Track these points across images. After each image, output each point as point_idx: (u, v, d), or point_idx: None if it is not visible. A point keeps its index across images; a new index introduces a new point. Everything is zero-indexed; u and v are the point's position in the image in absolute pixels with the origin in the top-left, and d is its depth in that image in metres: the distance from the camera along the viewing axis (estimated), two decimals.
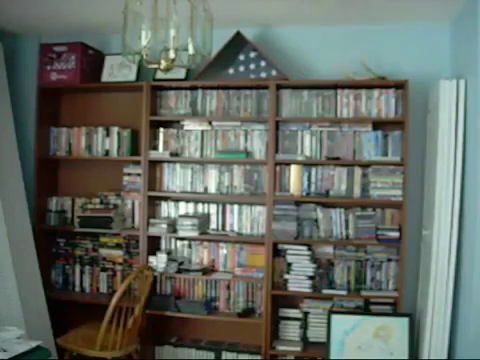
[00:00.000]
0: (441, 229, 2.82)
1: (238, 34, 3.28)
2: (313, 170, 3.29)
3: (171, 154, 3.44)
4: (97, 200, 3.60)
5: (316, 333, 3.28)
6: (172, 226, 3.42)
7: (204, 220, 3.44)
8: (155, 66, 2.22)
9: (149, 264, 3.37)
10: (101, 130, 3.60)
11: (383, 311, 3.16)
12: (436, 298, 2.83)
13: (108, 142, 3.58)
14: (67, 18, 3.35)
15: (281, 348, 3.23)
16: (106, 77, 3.57)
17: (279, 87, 3.28)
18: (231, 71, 3.38)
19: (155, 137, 3.50)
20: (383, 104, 3.19)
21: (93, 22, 3.42)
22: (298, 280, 3.19)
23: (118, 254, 3.61)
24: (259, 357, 3.27)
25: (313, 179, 3.29)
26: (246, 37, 3.29)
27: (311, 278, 3.18)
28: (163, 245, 3.55)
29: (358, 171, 3.24)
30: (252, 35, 3.38)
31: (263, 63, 3.32)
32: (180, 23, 2.11)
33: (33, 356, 2.48)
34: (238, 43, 3.31)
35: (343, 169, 3.25)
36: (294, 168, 3.30)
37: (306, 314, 3.30)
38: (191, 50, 2.19)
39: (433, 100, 3.03)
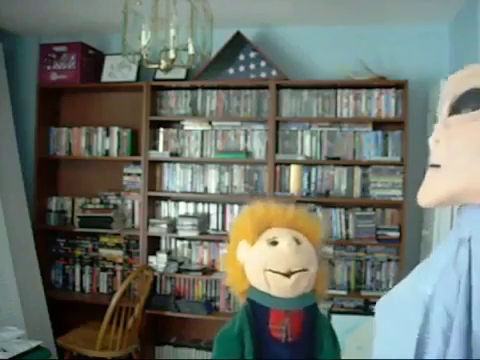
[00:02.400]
0: (441, 229, 2.82)
1: (238, 34, 3.28)
2: (313, 170, 3.29)
3: (171, 154, 3.43)
4: (97, 200, 3.60)
5: None
6: (172, 226, 3.42)
7: (204, 220, 3.44)
8: (155, 66, 2.23)
9: (149, 264, 3.37)
10: (101, 130, 3.60)
11: None
12: None
13: (108, 142, 3.58)
14: (67, 18, 3.35)
15: None
16: (106, 77, 3.57)
17: (279, 87, 3.28)
18: (231, 71, 3.38)
19: (155, 137, 3.50)
20: (383, 104, 3.19)
21: (93, 22, 3.42)
22: None
23: (118, 254, 3.61)
24: None
25: (313, 179, 3.29)
26: (246, 37, 3.29)
27: None
28: (163, 245, 3.55)
29: (358, 171, 3.24)
30: (252, 35, 3.38)
31: (263, 63, 3.32)
32: (180, 23, 2.12)
33: (33, 356, 2.48)
34: (238, 43, 3.31)
35: (343, 169, 3.25)
36: (294, 168, 3.30)
37: None
38: (191, 50, 2.19)
39: (433, 100, 3.03)
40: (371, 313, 3.11)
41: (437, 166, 0.76)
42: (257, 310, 1.53)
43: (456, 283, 0.70)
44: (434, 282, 0.73)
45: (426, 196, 0.78)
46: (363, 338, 3.04)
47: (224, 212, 3.44)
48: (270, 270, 1.50)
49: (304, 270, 1.52)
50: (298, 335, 1.51)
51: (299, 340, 1.52)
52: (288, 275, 1.49)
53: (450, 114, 0.77)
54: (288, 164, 3.30)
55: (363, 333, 3.05)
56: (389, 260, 3.22)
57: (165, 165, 3.54)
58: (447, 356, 0.67)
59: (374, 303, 3.56)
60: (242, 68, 3.36)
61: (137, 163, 3.50)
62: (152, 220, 3.42)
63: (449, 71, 3.14)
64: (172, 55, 2.14)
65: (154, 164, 3.51)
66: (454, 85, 0.78)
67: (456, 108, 0.76)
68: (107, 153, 3.58)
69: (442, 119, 0.78)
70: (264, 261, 1.52)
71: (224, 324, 1.62)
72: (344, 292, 3.16)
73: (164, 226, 3.39)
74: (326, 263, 1.75)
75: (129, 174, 3.58)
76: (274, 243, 1.55)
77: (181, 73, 3.36)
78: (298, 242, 1.56)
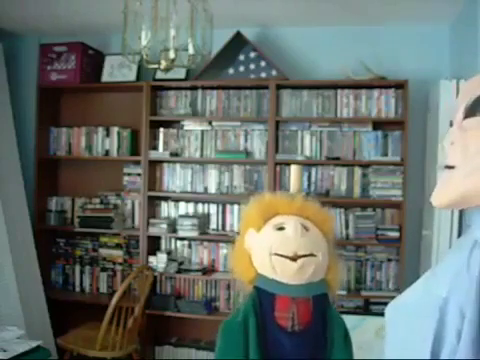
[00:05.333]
0: (441, 229, 2.82)
1: (238, 34, 3.28)
2: (313, 170, 3.29)
3: (171, 154, 3.43)
4: (97, 200, 3.60)
5: None
6: (172, 226, 3.42)
7: (204, 220, 3.44)
8: (155, 66, 2.23)
9: (149, 264, 3.37)
10: (101, 130, 3.59)
11: (383, 311, 3.15)
12: None
13: (108, 142, 3.58)
14: (67, 18, 3.35)
15: None
16: (106, 77, 3.57)
17: (279, 87, 3.28)
18: (231, 71, 3.38)
19: (155, 137, 3.50)
20: (383, 104, 3.19)
21: (93, 22, 3.42)
22: None
23: (118, 254, 3.61)
24: None
25: (313, 179, 3.29)
26: (246, 37, 3.29)
27: None
28: (163, 245, 3.55)
29: (358, 171, 3.24)
30: (252, 35, 3.38)
31: (263, 63, 3.32)
32: (180, 23, 2.12)
33: (33, 356, 2.48)
34: (238, 43, 3.31)
35: (343, 169, 3.25)
36: (294, 168, 3.30)
37: None
38: (191, 50, 2.19)
39: (433, 100, 3.03)
40: (371, 313, 3.12)
41: (451, 167, 0.77)
42: (263, 297, 1.50)
43: (470, 285, 0.70)
44: (448, 285, 0.73)
45: (440, 197, 0.79)
46: (363, 338, 3.04)
47: (224, 212, 3.44)
48: (276, 254, 1.47)
49: (311, 255, 1.48)
50: (306, 324, 1.47)
51: (306, 330, 1.47)
52: (294, 259, 1.46)
53: (465, 117, 0.77)
54: (288, 164, 3.30)
55: (363, 333, 3.05)
56: (389, 260, 3.23)
57: (165, 165, 3.54)
58: (458, 351, 0.67)
59: (374, 303, 3.56)
60: (242, 68, 3.36)
61: (137, 163, 3.50)
62: (152, 220, 3.42)
63: (449, 71, 3.14)
64: (172, 55, 2.14)
65: (154, 164, 3.51)
66: (469, 88, 0.79)
67: (471, 111, 0.77)
68: (107, 153, 3.58)
69: (457, 122, 0.79)
70: (270, 245, 1.49)
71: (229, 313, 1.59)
72: (344, 292, 3.16)
73: (164, 226, 3.39)
74: (338, 255, 1.69)
75: (129, 174, 3.58)
76: (281, 228, 1.52)
77: (181, 73, 3.36)
78: (306, 228, 1.53)
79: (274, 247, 1.49)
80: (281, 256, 1.47)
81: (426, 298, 0.76)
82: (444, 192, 0.78)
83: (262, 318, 1.47)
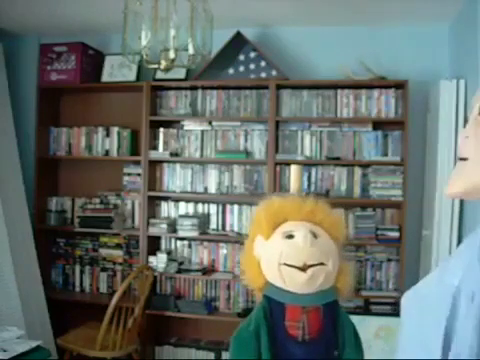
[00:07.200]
0: (441, 229, 2.82)
1: (238, 34, 3.28)
2: (313, 170, 3.29)
3: (171, 154, 3.43)
4: (97, 200, 3.60)
5: None
6: (172, 226, 3.42)
7: (204, 220, 3.43)
8: (155, 66, 2.23)
9: (149, 264, 3.37)
10: (101, 130, 3.59)
11: (383, 311, 3.16)
12: None
13: (108, 142, 3.58)
14: (67, 18, 3.35)
15: None
16: (106, 77, 3.57)
17: (279, 87, 3.28)
18: (231, 71, 3.38)
19: (155, 137, 3.50)
20: (383, 104, 3.19)
21: (93, 22, 3.42)
22: None
23: (118, 254, 3.61)
24: None
25: (313, 179, 3.29)
26: (246, 37, 3.29)
27: None
28: (163, 245, 3.55)
29: (358, 171, 3.24)
30: (252, 35, 3.38)
31: (263, 63, 3.32)
32: (180, 23, 2.12)
33: (33, 356, 2.48)
34: (238, 43, 3.31)
35: (343, 169, 3.25)
36: (294, 168, 3.30)
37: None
38: (191, 50, 2.19)
39: (433, 100, 3.03)
40: (371, 313, 3.12)
41: (465, 159, 0.82)
42: (273, 307, 1.47)
43: None
44: (460, 275, 0.76)
45: (453, 187, 0.83)
46: (363, 338, 3.03)
47: (224, 212, 3.44)
48: (285, 264, 1.45)
49: (321, 264, 1.45)
50: (316, 333, 1.45)
51: (317, 339, 1.45)
52: (304, 269, 1.43)
53: None
54: (288, 164, 3.30)
55: (363, 333, 3.04)
56: (389, 260, 3.23)
57: (165, 165, 3.54)
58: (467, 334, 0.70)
59: (374, 303, 3.55)
60: (242, 68, 3.36)
61: (137, 163, 3.50)
62: (152, 220, 3.42)
63: (449, 71, 3.14)
64: (172, 55, 2.14)
65: (154, 164, 3.50)
66: None
67: None
68: (107, 153, 3.57)
69: (473, 116, 0.84)
70: (279, 254, 1.46)
71: (241, 322, 1.56)
72: None
73: (164, 226, 3.39)
74: (348, 259, 1.66)
75: (129, 174, 3.58)
76: (290, 236, 1.49)
77: (181, 73, 3.36)
78: (315, 235, 1.49)
79: (283, 257, 1.46)
80: (290, 266, 1.44)
81: (440, 287, 0.80)
82: (457, 182, 0.82)
83: (273, 327, 1.45)
